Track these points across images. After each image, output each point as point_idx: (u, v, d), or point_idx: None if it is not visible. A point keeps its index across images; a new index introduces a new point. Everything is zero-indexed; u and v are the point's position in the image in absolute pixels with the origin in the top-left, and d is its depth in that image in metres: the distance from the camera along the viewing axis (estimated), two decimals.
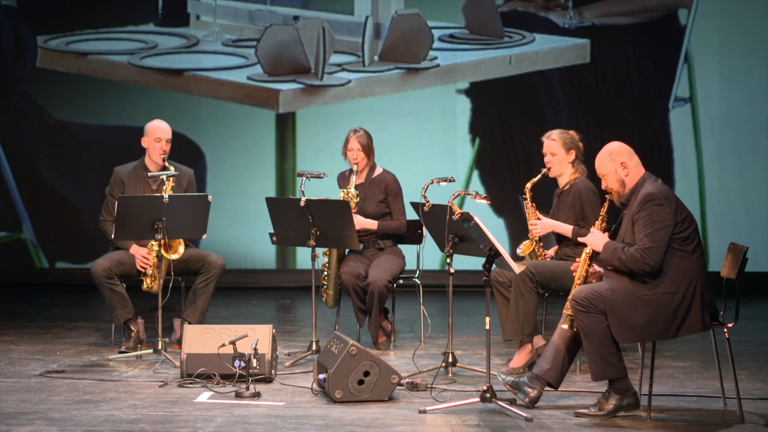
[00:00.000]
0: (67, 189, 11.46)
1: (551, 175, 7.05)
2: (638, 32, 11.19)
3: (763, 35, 11.13)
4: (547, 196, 7.26)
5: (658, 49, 11.17)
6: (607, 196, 5.87)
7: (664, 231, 5.56)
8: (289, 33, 11.26)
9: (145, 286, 7.46)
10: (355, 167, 7.68)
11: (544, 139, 7.04)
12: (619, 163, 5.76)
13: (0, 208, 11.51)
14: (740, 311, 5.89)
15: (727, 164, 11.17)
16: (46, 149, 11.48)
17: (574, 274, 5.99)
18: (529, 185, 7.10)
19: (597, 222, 5.95)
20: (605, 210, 5.93)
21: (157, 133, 7.56)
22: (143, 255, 7.41)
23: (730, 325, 5.79)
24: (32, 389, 6.30)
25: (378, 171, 7.80)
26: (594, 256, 5.88)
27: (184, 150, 10.99)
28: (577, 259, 6.00)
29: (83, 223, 11.30)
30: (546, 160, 7.03)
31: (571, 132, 7.04)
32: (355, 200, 7.61)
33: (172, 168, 7.47)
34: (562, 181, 7.05)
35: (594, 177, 7.09)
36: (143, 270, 7.44)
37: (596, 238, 5.80)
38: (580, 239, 6.01)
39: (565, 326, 5.84)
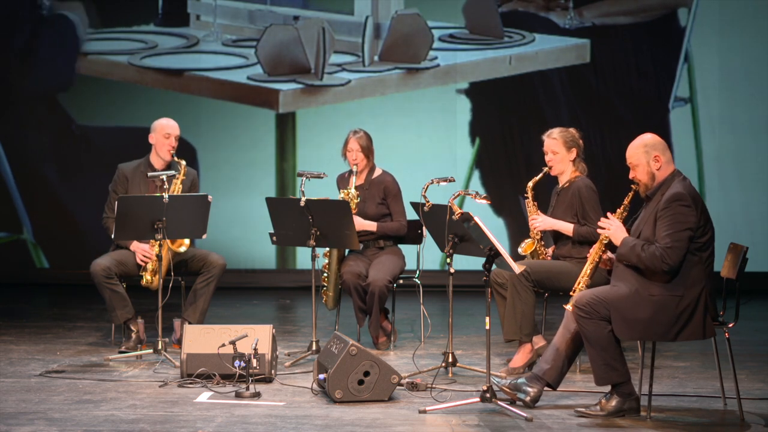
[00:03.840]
0: (67, 189, 11.46)
1: (552, 173, 7.05)
2: (638, 32, 11.20)
3: (763, 35, 11.13)
4: (547, 195, 7.26)
5: (658, 49, 11.17)
6: (633, 186, 5.81)
7: (687, 233, 5.53)
8: (289, 33, 11.26)
9: (144, 281, 7.45)
10: (354, 168, 7.68)
11: (545, 137, 7.04)
12: (652, 156, 5.72)
13: (0, 208, 11.52)
14: (740, 311, 5.89)
15: (727, 164, 11.17)
16: (46, 149, 11.48)
17: (588, 254, 5.97)
18: (530, 184, 7.10)
19: (618, 210, 5.87)
20: (629, 200, 5.86)
21: (167, 129, 7.57)
22: (144, 249, 7.40)
23: (730, 325, 5.80)
24: (32, 389, 6.30)
25: (377, 172, 7.80)
26: (609, 244, 5.84)
27: (182, 149, 11.01)
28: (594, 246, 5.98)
29: (83, 223, 11.30)
30: (547, 158, 7.03)
31: (572, 130, 7.04)
32: (355, 201, 7.61)
33: (183, 163, 7.48)
34: (563, 180, 7.05)
35: (593, 176, 7.11)
36: (143, 264, 7.43)
37: (616, 231, 5.73)
38: (598, 231, 5.95)
39: (570, 307, 5.81)
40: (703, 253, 5.60)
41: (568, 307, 5.85)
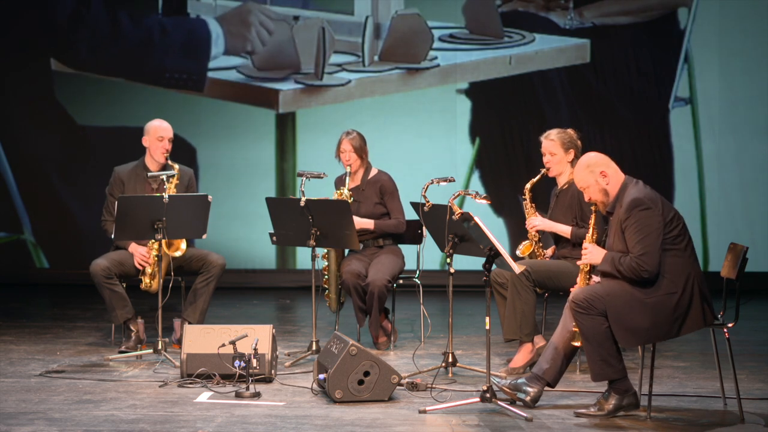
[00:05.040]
0: (67, 189, 11.46)
1: (550, 174, 7.06)
2: (638, 32, 11.20)
3: (763, 35, 11.13)
4: (545, 196, 7.26)
5: (658, 49, 11.17)
6: (592, 207, 5.87)
7: (655, 235, 5.56)
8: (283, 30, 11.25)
9: (143, 284, 7.45)
10: (348, 169, 7.68)
11: (543, 139, 7.04)
12: (598, 173, 5.75)
13: (0, 208, 11.51)
14: (740, 311, 5.89)
15: (727, 164, 11.17)
16: (46, 149, 11.48)
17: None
18: (528, 186, 7.10)
19: (588, 236, 5.92)
20: (593, 222, 5.91)
21: (160, 131, 7.56)
22: (142, 253, 7.41)
23: (730, 325, 5.79)
24: (32, 389, 6.30)
25: (373, 172, 7.79)
26: (592, 269, 5.89)
27: (182, 149, 11.01)
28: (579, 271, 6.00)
29: (83, 224, 11.30)
30: (545, 160, 7.03)
31: (570, 131, 7.04)
32: (349, 201, 7.60)
33: (176, 166, 7.46)
34: (561, 181, 7.06)
35: None
36: (141, 268, 7.43)
37: (593, 254, 5.79)
38: (578, 263, 6.00)
39: (577, 344, 5.83)
40: (680, 245, 5.61)
41: (576, 345, 5.84)
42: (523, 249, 7.13)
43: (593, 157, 5.81)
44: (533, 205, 7.08)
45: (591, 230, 5.91)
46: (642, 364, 5.84)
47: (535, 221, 7.02)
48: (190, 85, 11.32)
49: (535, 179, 7.09)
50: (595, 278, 5.90)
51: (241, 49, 11.31)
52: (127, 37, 11.33)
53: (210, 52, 11.33)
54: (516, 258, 7.17)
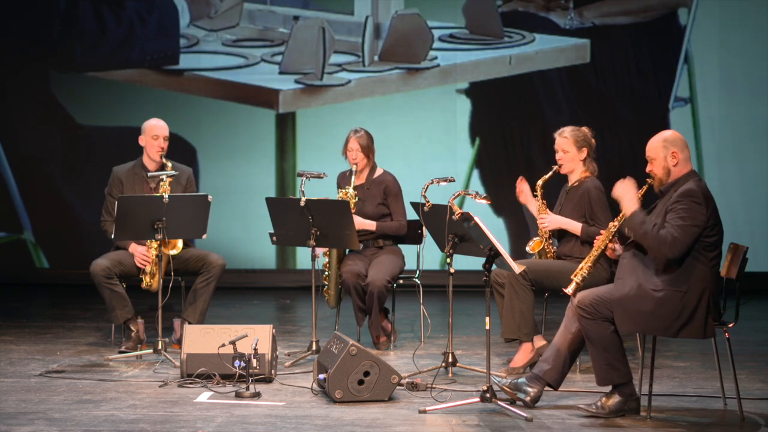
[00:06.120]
0: (67, 189, 11.46)
1: (562, 172, 7.03)
2: (638, 32, 11.20)
3: (763, 35, 11.13)
4: (552, 192, 7.24)
5: (658, 49, 11.17)
6: (648, 180, 5.82)
7: (695, 229, 5.54)
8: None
9: (144, 284, 7.46)
10: (354, 167, 7.68)
11: (556, 135, 7.02)
12: (670, 152, 5.73)
13: (0, 208, 11.51)
14: (740, 311, 5.89)
15: (727, 164, 11.17)
16: (46, 149, 11.48)
17: (596, 240, 5.96)
18: (540, 182, 7.07)
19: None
20: (642, 192, 5.86)
21: (155, 130, 7.57)
22: (142, 252, 7.41)
23: (730, 325, 5.80)
24: (32, 389, 6.30)
25: (378, 172, 7.80)
26: (619, 235, 5.84)
27: (182, 150, 11.01)
28: (602, 232, 5.97)
29: (83, 223, 11.30)
30: (557, 157, 7.01)
31: (584, 129, 7.02)
32: (354, 200, 7.61)
33: (169, 164, 7.48)
34: (572, 178, 7.03)
35: (601, 176, 7.08)
36: (142, 267, 7.43)
37: (630, 197, 5.69)
38: (614, 196, 5.90)
39: (569, 290, 5.81)
40: (710, 253, 5.60)
41: (569, 290, 5.84)
42: (533, 245, 7.10)
43: (672, 134, 5.79)
44: (544, 202, 7.06)
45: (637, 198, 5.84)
46: (642, 364, 5.84)
47: (546, 220, 6.99)
48: (167, 61, 11.33)
49: (546, 176, 7.06)
50: (616, 244, 5.87)
51: (205, 14, 11.32)
52: (113, 32, 11.34)
53: (179, 26, 11.34)
54: (524, 255, 7.17)
